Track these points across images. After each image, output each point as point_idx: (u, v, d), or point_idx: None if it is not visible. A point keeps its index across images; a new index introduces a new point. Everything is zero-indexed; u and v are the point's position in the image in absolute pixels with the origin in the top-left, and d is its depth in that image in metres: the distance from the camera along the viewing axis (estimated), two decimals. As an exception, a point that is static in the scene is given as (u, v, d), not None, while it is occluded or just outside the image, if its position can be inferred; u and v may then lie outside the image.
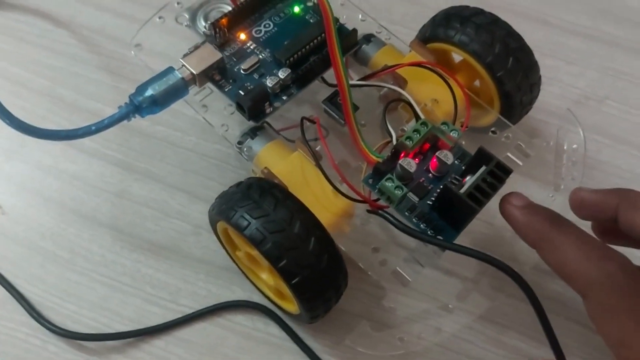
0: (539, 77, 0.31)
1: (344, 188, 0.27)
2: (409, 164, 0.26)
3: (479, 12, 0.31)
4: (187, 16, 0.32)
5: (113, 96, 0.36)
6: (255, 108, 0.28)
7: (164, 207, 0.34)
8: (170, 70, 0.28)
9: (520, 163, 0.29)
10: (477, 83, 0.33)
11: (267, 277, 0.29)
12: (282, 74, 0.29)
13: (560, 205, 0.29)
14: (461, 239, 0.26)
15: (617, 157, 0.36)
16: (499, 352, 0.30)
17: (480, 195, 0.25)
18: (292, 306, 0.28)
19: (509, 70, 0.30)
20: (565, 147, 0.30)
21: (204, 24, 0.32)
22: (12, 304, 0.31)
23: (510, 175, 0.29)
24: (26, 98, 0.36)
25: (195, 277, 0.32)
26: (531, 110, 0.35)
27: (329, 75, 0.30)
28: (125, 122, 0.28)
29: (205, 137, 0.35)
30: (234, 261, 0.31)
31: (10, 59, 0.38)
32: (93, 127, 0.27)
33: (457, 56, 0.32)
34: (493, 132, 0.31)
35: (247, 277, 0.31)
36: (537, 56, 0.39)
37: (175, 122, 0.36)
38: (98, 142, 0.35)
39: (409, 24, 0.34)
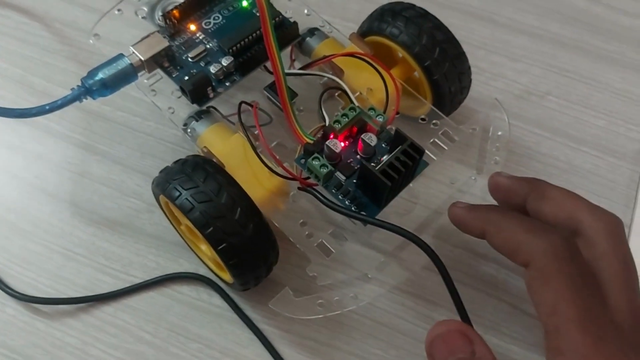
0: (468, 68, 0.33)
1: (279, 169, 0.29)
2: (335, 144, 0.28)
3: (410, 7, 0.33)
4: (145, 9, 0.34)
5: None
6: (197, 92, 0.31)
7: (121, 187, 0.36)
8: (120, 56, 0.30)
9: (446, 148, 0.31)
10: (416, 74, 0.35)
11: (206, 248, 0.31)
12: (225, 61, 0.31)
13: (480, 186, 0.31)
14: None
15: (555, 149, 0.38)
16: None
17: (392, 171, 0.27)
18: (227, 275, 0.30)
19: (436, 59, 0.32)
20: (490, 134, 0.32)
21: (160, 16, 0.34)
22: (-24, 271, 0.33)
23: (438, 159, 0.31)
24: (0, 85, 0.39)
25: (146, 251, 0.34)
26: (473, 102, 0.37)
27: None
28: (78, 103, 0.30)
29: (163, 123, 0.38)
30: (180, 235, 0.33)
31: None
32: (47, 107, 0.30)
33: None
34: (422, 119, 0.33)
35: (192, 250, 0.33)
36: (484, 53, 0.42)
37: (136, 109, 0.38)
38: (63, 126, 0.38)
39: (362, 21, 0.36)
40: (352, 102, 0.31)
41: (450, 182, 0.29)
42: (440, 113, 0.33)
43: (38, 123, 0.37)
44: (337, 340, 0.32)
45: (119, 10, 0.34)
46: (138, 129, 0.38)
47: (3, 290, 0.32)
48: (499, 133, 0.32)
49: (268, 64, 0.33)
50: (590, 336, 0.23)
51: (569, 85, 0.41)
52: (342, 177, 0.29)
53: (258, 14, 0.33)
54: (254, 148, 0.29)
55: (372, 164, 0.29)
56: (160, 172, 0.29)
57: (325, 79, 0.33)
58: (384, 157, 0.28)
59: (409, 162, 0.27)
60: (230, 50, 0.31)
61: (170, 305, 0.33)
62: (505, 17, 0.43)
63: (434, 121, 0.32)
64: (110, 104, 0.38)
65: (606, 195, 0.37)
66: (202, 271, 0.33)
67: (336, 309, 0.28)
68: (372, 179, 0.27)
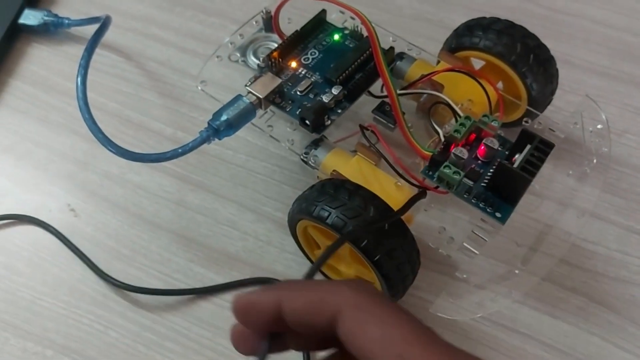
0: (557, 70, 0.35)
1: (413, 180, 0.30)
2: (461, 152, 0.29)
3: (496, 20, 0.35)
4: (238, 54, 0.37)
5: (174, 118, 0.41)
6: (317, 121, 0.32)
7: (215, 215, 0.37)
8: (239, 97, 0.32)
9: (554, 143, 0.32)
10: (499, 85, 0.36)
11: (346, 267, 0.32)
12: (335, 90, 0.33)
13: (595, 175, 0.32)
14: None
15: (637, 185, 0.38)
16: None
17: (531, 167, 0.28)
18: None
19: (531, 65, 0.33)
20: (590, 129, 0.33)
21: (253, 59, 0.37)
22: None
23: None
24: (99, 118, 0.40)
25: (241, 277, 0.34)
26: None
27: (373, 89, 0.34)
28: (205, 145, 0.32)
29: (253, 155, 0.39)
30: (310, 259, 0.34)
31: (87, 86, 0.43)
32: (180, 150, 0.31)
33: (476, 63, 0.36)
34: (525, 121, 0.34)
35: (325, 275, 0.34)
36: (560, 93, 0.42)
37: (227, 142, 0.39)
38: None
39: (434, 44, 0.37)
40: (456, 113, 0.32)
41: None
42: (537, 112, 0.34)
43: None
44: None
45: (218, 56, 0.36)
46: (230, 161, 0.39)
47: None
48: (598, 126, 0.33)
49: (370, 89, 0.34)
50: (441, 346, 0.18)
51: (646, 124, 0.41)
52: (469, 183, 0.30)
53: (351, 45, 0.36)
54: (389, 163, 0.31)
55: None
56: (297, 200, 0.30)
57: (425, 95, 0.34)
58: (516, 156, 0.29)
59: (543, 156, 0.29)
60: (338, 80, 0.33)
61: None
62: (578, 58, 0.44)
63: (537, 121, 0.34)
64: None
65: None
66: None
67: (493, 307, 0.28)
68: (510, 177, 0.28)
